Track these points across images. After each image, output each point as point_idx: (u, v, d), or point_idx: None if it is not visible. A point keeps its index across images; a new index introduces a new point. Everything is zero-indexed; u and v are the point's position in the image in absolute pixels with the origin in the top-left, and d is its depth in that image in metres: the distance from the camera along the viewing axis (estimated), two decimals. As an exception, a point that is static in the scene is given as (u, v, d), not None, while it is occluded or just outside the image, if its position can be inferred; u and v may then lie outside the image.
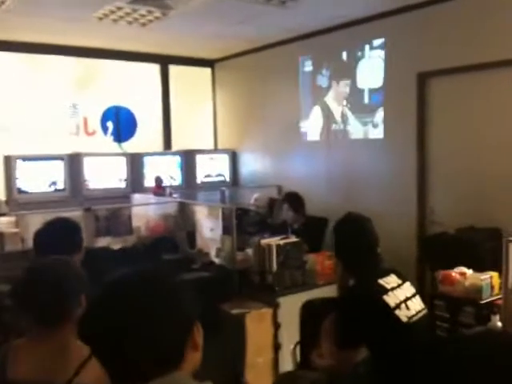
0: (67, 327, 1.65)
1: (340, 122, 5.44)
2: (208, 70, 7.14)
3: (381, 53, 4.96)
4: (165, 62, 6.76)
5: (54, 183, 5.61)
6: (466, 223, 4.27)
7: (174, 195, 5.25)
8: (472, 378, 1.03)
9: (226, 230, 4.02)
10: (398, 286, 2.47)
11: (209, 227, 4.24)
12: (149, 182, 6.19)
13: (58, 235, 2.66)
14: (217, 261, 4.06)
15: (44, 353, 1.61)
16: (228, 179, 6.89)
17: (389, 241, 5.01)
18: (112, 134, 6.38)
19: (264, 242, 3.80)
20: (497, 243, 4.13)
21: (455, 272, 2.75)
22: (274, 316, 3.64)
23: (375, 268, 2.50)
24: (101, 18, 4.97)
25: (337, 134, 5.49)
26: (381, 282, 2.44)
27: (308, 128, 5.83)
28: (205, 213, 4.28)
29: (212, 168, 6.80)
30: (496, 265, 3.82)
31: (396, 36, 4.82)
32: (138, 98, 6.62)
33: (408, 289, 2.50)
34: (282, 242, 3.75)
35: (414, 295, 2.49)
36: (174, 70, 6.86)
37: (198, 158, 6.62)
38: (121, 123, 6.43)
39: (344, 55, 5.30)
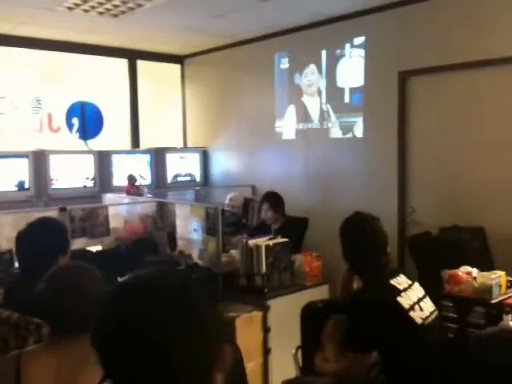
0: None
1: (318, 121, 5.37)
2: (177, 66, 6.93)
3: (361, 51, 4.91)
4: (133, 56, 6.52)
5: (18, 182, 5.28)
6: (447, 223, 4.27)
7: (149, 195, 5.04)
8: None
9: (209, 231, 3.86)
10: (409, 286, 2.40)
11: (190, 228, 4.07)
12: (117, 180, 5.95)
13: (43, 237, 2.45)
14: (200, 263, 3.90)
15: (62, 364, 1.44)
16: (198, 178, 6.70)
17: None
18: (78, 130, 6.09)
19: (252, 242, 3.67)
20: (482, 242, 4.18)
21: (461, 271, 2.70)
22: (264, 319, 3.51)
23: (385, 268, 2.41)
24: (71, 8, 4.71)
25: (314, 133, 5.41)
26: (392, 282, 2.37)
27: (284, 126, 5.73)
28: (186, 213, 4.11)
29: (182, 167, 6.60)
30: (482, 264, 3.85)
31: (377, 34, 4.79)
32: (104, 93, 6.35)
33: (418, 289, 2.43)
34: (271, 243, 3.63)
35: (424, 296, 2.42)
36: (142, 65, 6.62)
37: (168, 156, 6.41)
38: (87, 120, 6.15)
39: (323, 53, 5.22)
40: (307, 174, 5.51)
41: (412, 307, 2.28)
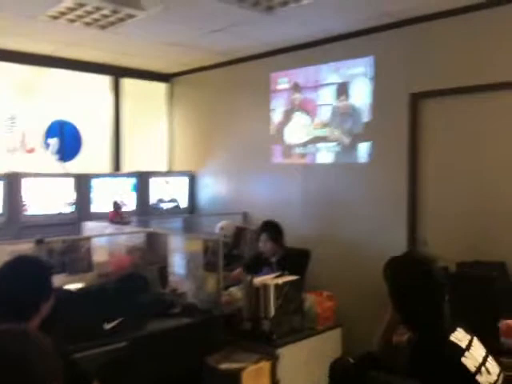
0: None
1: (319, 145, 4.99)
2: (164, 85, 6.52)
3: (369, 71, 4.58)
4: (117, 74, 6.08)
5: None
6: (464, 257, 3.91)
7: (133, 222, 4.56)
8: None
9: (208, 267, 3.41)
10: (470, 343, 1.99)
11: (185, 262, 3.61)
12: (97, 207, 5.45)
13: (23, 282, 1.98)
14: (196, 303, 3.43)
15: None
16: (183, 204, 6.24)
17: (375, 277, 4.61)
18: (56, 152, 5.59)
19: (258, 281, 3.23)
20: (505, 279, 3.82)
21: (520, 322, 2.32)
22: (273, 371, 3.06)
23: (445, 321, 2.00)
24: (55, 17, 4.27)
25: (315, 157, 5.03)
26: (452, 339, 1.95)
27: (280, 150, 5.34)
28: (180, 245, 3.65)
29: (166, 192, 6.14)
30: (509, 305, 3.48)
31: (386, 53, 4.47)
32: (85, 112, 5.88)
33: (479, 346, 2.02)
34: (280, 282, 3.19)
35: (487, 355, 2.01)
36: (126, 83, 6.19)
37: (153, 180, 5.95)
38: (65, 140, 5.66)
39: (326, 72, 4.88)
40: (306, 202, 5.11)
41: (478, 370, 1.88)
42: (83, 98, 5.87)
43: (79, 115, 5.82)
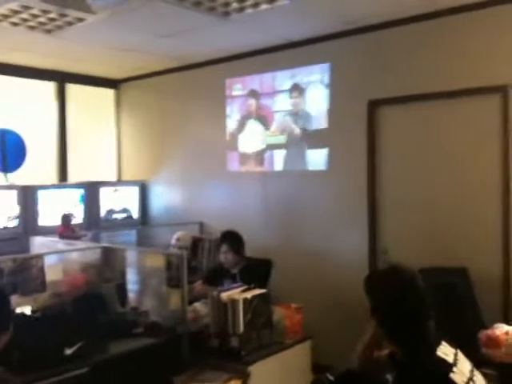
0: None
1: (275, 152, 4.92)
2: (111, 91, 6.28)
3: (326, 78, 4.56)
4: (62, 79, 5.80)
5: None
6: (425, 264, 3.92)
7: (85, 237, 4.32)
8: None
9: (171, 282, 3.26)
10: (455, 356, 1.95)
11: (144, 278, 3.44)
12: (44, 220, 5.17)
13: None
14: (159, 321, 3.27)
15: None
16: (135, 215, 6.02)
17: (339, 286, 4.59)
18: (-2, 162, 5.26)
19: (225, 296, 3.10)
20: (467, 286, 3.86)
21: (499, 331, 2.31)
22: (244, 389, 2.94)
23: (429, 335, 1.95)
24: (-2, 20, 4.01)
25: (272, 165, 4.96)
26: (439, 354, 1.90)
27: (236, 157, 5.24)
28: (139, 260, 3.48)
29: (117, 202, 5.90)
30: (471, 312, 3.51)
31: (343, 60, 4.46)
32: (28, 120, 5.57)
33: (465, 360, 1.99)
34: (248, 296, 3.08)
35: (473, 367, 1.98)
36: (72, 89, 5.91)
37: (103, 191, 5.70)
38: (7, 150, 5.33)
39: (282, 79, 4.82)
40: (265, 210, 5.03)
41: (467, 385, 1.83)
42: (27, 105, 5.56)
43: (23, 123, 5.50)
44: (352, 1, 3.76)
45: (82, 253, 3.63)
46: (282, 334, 3.22)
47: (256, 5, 3.79)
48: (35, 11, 3.83)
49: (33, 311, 2.94)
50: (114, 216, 5.86)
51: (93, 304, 3.16)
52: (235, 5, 3.79)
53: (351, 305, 4.37)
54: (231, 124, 5.24)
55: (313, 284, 4.59)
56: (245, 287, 3.26)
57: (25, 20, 4.01)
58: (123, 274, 3.50)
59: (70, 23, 4.14)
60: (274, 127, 4.91)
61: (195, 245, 5.15)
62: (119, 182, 6.18)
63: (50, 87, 5.77)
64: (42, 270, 3.26)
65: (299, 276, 4.65)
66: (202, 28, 4.30)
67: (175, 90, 5.73)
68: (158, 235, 5.56)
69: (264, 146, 5.00)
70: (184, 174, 5.73)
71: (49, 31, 4.31)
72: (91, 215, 5.57)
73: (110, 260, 3.57)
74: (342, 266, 4.46)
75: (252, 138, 5.10)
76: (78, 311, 2.97)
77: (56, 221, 5.01)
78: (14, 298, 3.09)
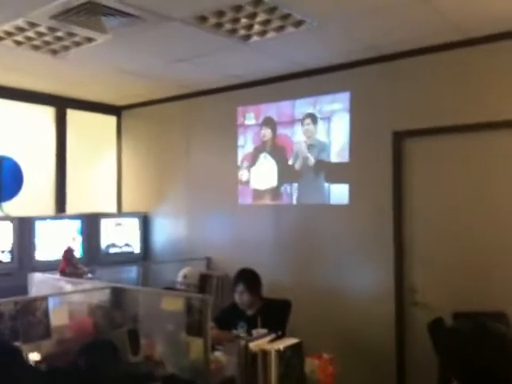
0: None
1: (292, 185, 4.64)
2: (113, 119, 5.99)
3: (346, 107, 4.31)
4: (62, 105, 5.50)
5: None
6: (457, 306, 3.63)
7: (89, 274, 3.96)
8: None
9: (192, 330, 2.91)
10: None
11: (160, 324, 3.09)
12: (41, 254, 4.80)
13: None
14: (177, 373, 2.90)
15: None
16: (137, 250, 5.66)
17: (363, 331, 4.25)
18: (-9, 191, 4.91)
19: (254, 346, 2.76)
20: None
21: None
22: None
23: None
24: (1, 38, 3.71)
25: (289, 199, 4.67)
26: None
27: (249, 190, 4.94)
28: (154, 303, 3.13)
29: (117, 236, 5.55)
30: None
31: (365, 89, 4.22)
32: (25, 147, 5.24)
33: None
34: (281, 347, 2.74)
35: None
36: (72, 115, 5.61)
37: (104, 223, 5.35)
38: (3, 177, 4.98)
39: (301, 107, 4.57)
40: (278, 246, 4.71)
41: None
42: (25, 131, 5.24)
43: (19, 149, 5.17)
44: (381, 27, 3.54)
45: (88, 293, 3.27)
46: (314, 388, 2.88)
47: (281, 28, 3.55)
48: (42, 29, 3.55)
49: (47, 367, 2.56)
50: (113, 250, 5.49)
51: (104, 353, 2.80)
52: (258, 27, 3.55)
53: (376, 351, 4.05)
54: (244, 155, 4.96)
55: (332, 328, 4.26)
56: (273, 336, 2.92)
57: (29, 39, 3.73)
58: (135, 318, 3.14)
59: (77, 43, 3.87)
60: (292, 158, 4.63)
61: (203, 282, 4.80)
62: (119, 213, 5.83)
63: (49, 112, 5.46)
64: (46, 313, 2.89)
65: (316, 318, 4.31)
66: (216, 52, 4.05)
67: (181, 117, 5.45)
68: (162, 271, 5.22)
69: (279, 179, 4.71)
70: (189, 206, 5.41)
71: (54, 52, 4.03)
72: (90, 249, 5.20)
73: (120, 302, 3.22)
74: (366, 308, 4.13)
75: (265, 174, 4.80)
76: (89, 362, 2.61)
77: (53, 255, 4.66)
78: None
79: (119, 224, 5.55)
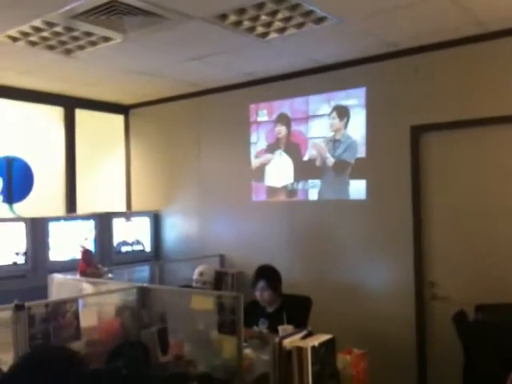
0: None
1: (308, 181, 4.64)
2: (121, 117, 5.96)
3: (362, 103, 4.32)
4: (71, 105, 5.46)
5: None
6: (478, 298, 3.65)
7: (110, 275, 3.94)
8: None
9: (224, 329, 2.91)
10: None
11: (190, 323, 3.09)
12: (55, 255, 4.77)
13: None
14: (209, 372, 2.90)
15: None
16: (148, 248, 5.64)
17: (382, 328, 4.26)
18: (2, 192, 4.86)
19: (288, 342, 2.76)
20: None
21: None
22: None
23: None
24: (15, 39, 3.67)
25: (305, 195, 4.67)
26: None
27: (261, 187, 4.93)
28: (180, 302, 3.12)
29: (128, 235, 5.52)
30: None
31: (381, 84, 4.23)
32: (34, 147, 5.20)
33: None
34: (316, 344, 2.74)
35: None
36: (81, 115, 5.57)
37: (115, 222, 5.33)
38: (14, 178, 4.94)
39: (316, 103, 4.56)
40: (293, 242, 4.71)
41: None
42: (34, 132, 5.20)
43: (29, 150, 5.13)
44: (399, 22, 3.53)
45: (114, 294, 3.26)
46: (347, 384, 2.88)
47: (301, 25, 3.54)
48: (59, 29, 3.52)
49: (91, 369, 2.52)
50: (124, 249, 5.48)
51: (138, 354, 2.78)
52: (277, 24, 3.54)
53: (397, 346, 4.07)
54: (256, 152, 4.95)
55: (351, 323, 4.25)
56: (305, 332, 2.92)
57: (45, 39, 3.69)
58: (163, 318, 3.13)
59: (93, 43, 3.84)
60: (307, 155, 4.63)
61: (219, 280, 4.80)
62: (130, 212, 5.81)
63: (58, 112, 5.42)
64: (76, 315, 2.87)
65: (335, 314, 4.30)
66: (233, 50, 4.03)
67: (191, 115, 5.43)
68: (175, 270, 5.19)
69: (295, 175, 4.71)
70: (201, 204, 5.40)
71: (69, 51, 4.00)
72: (103, 249, 5.18)
73: (147, 302, 3.20)
74: (386, 303, 4.15)
75: (281, 172, 4.79)
76: (133, 367, 2.58)
77: (67, 255, 4.64)
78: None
79: (130, 223, 5.53)
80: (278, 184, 4.81)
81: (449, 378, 3.69)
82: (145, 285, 3.25)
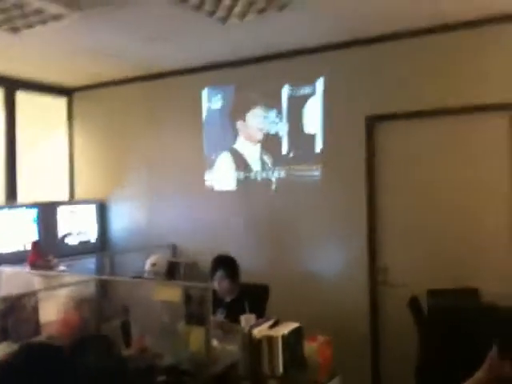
0: None
1: (261, 171, 4.62)
2: (63, 100, 5.68)
3: (319, 92, 4.34)
4: (12, 86, 5.14)
5: None
6: (430, 283, 3.80)
7: (62, 267, 3.76)
8: None
9: (191, 319, 2.85)
10: None
11: (150, 314, 3.00)
12: (-5, 246, 4.51)
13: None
14: (176, 364, 2.84)
15: None
16: (94, 239, 5.44)
17: (337, 310, 4.34)
18: None
19: (258, 332, 2.75)
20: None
21: None
22: None
23: None
24: (-42, 13, 3.40)
25: (258, 185, 4.65)
26: None
27: (215, 175, 4.87)
28: (146, 294, 3.03)
29: (71, 225, 5.29)
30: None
31: (338, 74, 4.26)
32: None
33: None
34: (286, 332, 2.75)
35: None
36: (23, 98, 5.26)
37: (60, 211, 5.10)
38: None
39: (269, 92, 4.54)
40: (249, 230, 4.68)
41: None
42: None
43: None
44: (359, 9, 3.56)
45: (71, 286, 3.11)
46: (315, 372, 2.90)
47: (262, 10, 3.49)
48: (7, 4, 3.28)
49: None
50: (69, 240, 5.25)
51: (100, 348, 2.67)
52: (238, 9, 3.47)
53: (352, 331, 4.16)
54: (209, 138, 4.87)
55: (308, 308, 4.29)
56: (272, 321, 2.92)
57: (-8, 14, 3.43)
58: (125, 310, 3.03)
59: (43, 21, 3.61)
60: (259, 144, 4.60)
61: (171, 270, 4.71)
62: (74, 200, 5.57)
63: (-3, 95, 5.10)
64: (35, 309, 2.73)
65: (292, 300, 4.32)
66: (191, 32, 3.93)
67: (142, 99, 5.26)
68: (123, 261, 5.03)
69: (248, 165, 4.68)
70: (150, 191, 5.26)
71: (15, 29, 3.74)
72: (47, 240, 4.93)
73: (108, 294, 3.08)
74: (340, 287, 4.23)
75: (234, 156, 4.76)
76: (90, 359, 2.48)
77: (9, 247, 4.40)
78: (3, 346, 2.57)
79: (74, 212, 5.30)
80: (232, 172, 4.76)
81: (403, 366, 3.78)
82: (104, 277, 3.13)
